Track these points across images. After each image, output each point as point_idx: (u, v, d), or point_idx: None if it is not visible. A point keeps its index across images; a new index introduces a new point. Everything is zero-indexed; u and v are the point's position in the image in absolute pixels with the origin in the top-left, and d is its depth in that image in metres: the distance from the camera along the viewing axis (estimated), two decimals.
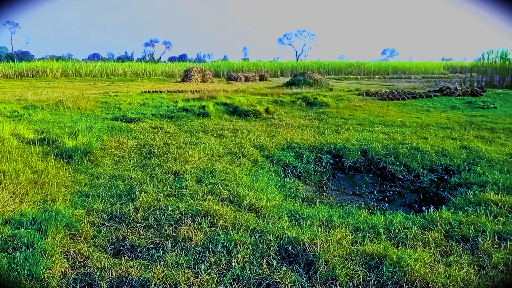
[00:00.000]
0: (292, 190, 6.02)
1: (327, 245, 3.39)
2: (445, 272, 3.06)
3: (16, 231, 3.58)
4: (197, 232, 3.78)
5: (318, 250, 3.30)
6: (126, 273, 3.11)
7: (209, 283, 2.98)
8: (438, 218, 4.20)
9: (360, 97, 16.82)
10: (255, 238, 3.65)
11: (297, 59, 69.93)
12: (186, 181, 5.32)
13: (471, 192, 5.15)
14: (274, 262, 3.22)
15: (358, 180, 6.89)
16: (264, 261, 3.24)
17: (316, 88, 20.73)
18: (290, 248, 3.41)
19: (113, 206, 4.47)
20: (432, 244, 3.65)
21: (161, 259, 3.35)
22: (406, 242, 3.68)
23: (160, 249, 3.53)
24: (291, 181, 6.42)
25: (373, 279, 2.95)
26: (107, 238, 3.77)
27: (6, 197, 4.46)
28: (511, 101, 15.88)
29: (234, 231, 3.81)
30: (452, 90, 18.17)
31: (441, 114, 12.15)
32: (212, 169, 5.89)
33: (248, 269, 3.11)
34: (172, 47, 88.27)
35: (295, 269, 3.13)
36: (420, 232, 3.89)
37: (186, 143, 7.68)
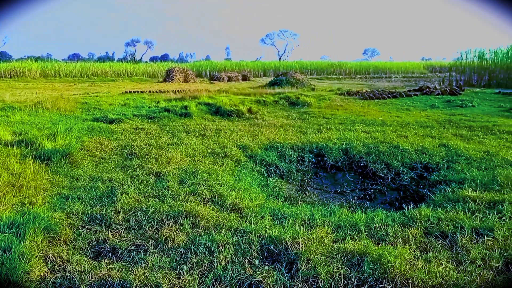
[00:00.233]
0: (275, 190, 6.03)
1: (309, 244, 3.41)
2: (424, 268, 3.12)
3: None
4: (179, 233, 3.76)
5: (300, 249, 3.32)
6: (107, 276, 3.07)
7: (191, 284, 2.96)
8: (418, 215, 4.27)
9: (342, 96, 16.99)
10: (238, 238, 3.64)
11: (280, 59, 70.20)
12: (168, 182, 5.29)
13: (450, 189, 5.26)
14: (257, 261, 3.22)
15: (340, 178, 6.95)
16: (247, 260, 3.24)
17: (298, 88, 20.83)
18: (272, 247, 3.42)
19: (93, 208, 4.40)
20: (412, 240, 3.71)
21: (142, 261, 3.32)
22: (387, 239, 3.73)
23: (142, 251, 3.49)
24: (274, 180, 6.44)
25: (354, 277, 2.98)
26: (87, 241, 3.71)
27: None
28: (488, 100, 16.26)
29: (216, 231, 3.80)
30: (431, 89, 18.50)
31: (421, 113, 12.36)
32: (194, 169, 5.87)
33: (230, 269, 3.11)
34: (153, 47, 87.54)
35: (277, 268, 3.14)
36: (400, 229, 3.95)
37: (168, 144, 7.62)
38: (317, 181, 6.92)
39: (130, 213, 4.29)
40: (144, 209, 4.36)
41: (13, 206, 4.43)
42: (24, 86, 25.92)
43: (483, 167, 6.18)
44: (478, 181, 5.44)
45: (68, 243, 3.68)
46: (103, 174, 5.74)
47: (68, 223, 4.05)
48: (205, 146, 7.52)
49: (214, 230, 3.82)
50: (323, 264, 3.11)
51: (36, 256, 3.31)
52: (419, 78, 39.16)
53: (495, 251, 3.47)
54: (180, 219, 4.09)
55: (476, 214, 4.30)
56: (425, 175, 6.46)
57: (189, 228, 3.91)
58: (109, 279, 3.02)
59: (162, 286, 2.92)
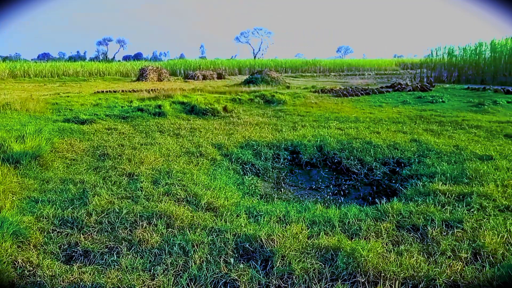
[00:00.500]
0: (250, 188, 6.03)
1: (284, 240, 3.43)
2: (396, 261, 3.18)
3: None
4: (153, 234, 3.71)
5: (275, 246, 3.34)
6: (78, 280, 3.01)
7: (165, 285, 2.93)
8: (390, 209, 4.36)
9: (316, 94, 17.14)
10: (213, 237, 3.63)
11: (255, 57, 70.25)
12: (141, 182, 5.21)
13: (421, 183, 5.39)
14: (232, 260, 3.22)
15: (314, 175, 7.02)
16: (222, 259, 3.24)
17: (273, 86, 20.91)
18: (247, 245, 3.42)
19: (65, 211, 4.30)
20: (384, 234, 3.78)
21: (115, 263, 3.26)
22: (360, 233, 3.79)
23: (114, 253, 3.44)
24: (249, 178, 6.44)
25: (328, 271, 3.02)
26: (58, 245, 3.62)
27: None
28: (457, 95, 16.73)
29: (191, 231, 3.78)
30: (403, 86, 18.90)
31: (393, 109, 12.61)
32: (168, 169, 5.81)
33: (205, 269, 3.10)
34: (126, 45, 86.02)
35: (252, 266, 3.15)
36: (373, 223, 4.02)
37: (141, 144, 7.52)
38: (292, 178, 6.96)
39: (103, 215, 4.21)
40: (117, 210, 4.29)
41: None
42: None
43: (452, 161, 6.36)
44: (448, 174, 5.59)
45: (38, 247, 3.58)
46: (75, 176, 5.61)
47: (38, 227, 3.94)
48: (179, 145, 7.46)
49: (189, 230, 3.79)
50: (297, 260, 3.14)
51: (4, 262, 3.20)
52: (392, 75, 39.91)
53: (464, 242, 3.58)
54: (154, 219, 4.05)
55: (446, 207, 4.42)
56: (397, 170, 6.60)
57: (164, 228, 3.86)
58: (81, 283, 2.96)
59: None
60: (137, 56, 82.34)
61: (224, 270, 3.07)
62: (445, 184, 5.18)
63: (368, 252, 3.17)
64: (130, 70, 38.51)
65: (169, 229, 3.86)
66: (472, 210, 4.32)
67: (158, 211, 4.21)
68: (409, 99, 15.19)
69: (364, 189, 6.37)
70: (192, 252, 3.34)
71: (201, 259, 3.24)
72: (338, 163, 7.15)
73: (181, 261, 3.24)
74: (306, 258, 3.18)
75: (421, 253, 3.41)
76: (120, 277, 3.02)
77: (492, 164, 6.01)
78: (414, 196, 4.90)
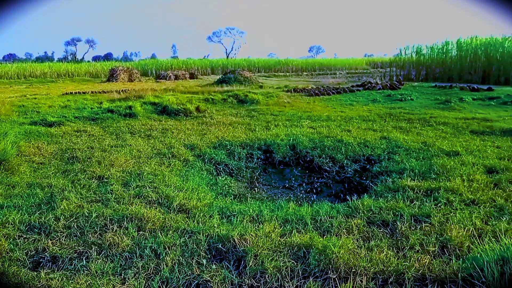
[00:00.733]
0: (224, 188, 6.01)
1: (257, 240, 3.44)
2: (367, 256, 3.24)
3: None
4: (123, 238, 3.64)
5: (248, 245, 3.34)
6: (46, 286, 2.92)
7: None
8: (361, 205, 4.43)
9: (289, 93, 17.26)
10: (185, 239, 3.60)
11: (228, 56, 70.03)
12: (112, 185, 5.11)
13: (390, 180, 5.50)
14: (204, 261, 3.20)
15: (287, 173, 7.07)
16: (194, 261, 3.21)
17: (246, 86, 20.91)
18: (220, 246, 3.41)
19: (31, 216, 4.16)
20: (355, 230, 3.84)
21: (84, 268, 3.19)
22: (332, 230, 3.84)
23: (84, 258, 3.35)
24: (223, 178, 6.42)
25: (300, 269, 3.05)
26: (25, 251, 3.50)
27: None
28: (425, 93, 17.19)
29: (163, 233, 3.73)
30: (373, 84, 19.27)
31: (363, 108, 12.83)
32: (139, 171, 5.72)
33: (177, 271, 3.06)
34: (96, 46, 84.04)
35: (225, 266, 3.14)
36: (345, 220, 4.08)
37: (111, 146, 7.37)
38: (266, 177, 6.98)
39: (72, 219, 4.10)
40: (87, 214, 4.19)
41: None
42: None
43: (421, 157, 6.53)
44: (416, 170, 5.74)
45: (4, 254, 3.45)
46: (42, 180, 5.44)
47: (3, 234, 3.80)
48: (151, 146, 7.35)
49: (160, 233, 3.74)
50: (270, 258, 3.15)
51: None
52: (362, 73, 40.60)
53: (431, 236, 3.68)
54: (125, 223, 3.98)
55: (414, 202, 4.54)
56: (367, 167, 6.72)
57: (135, 231, 3.80)
58: None
59: None
60: (107, 57, 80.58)
61: (196, 271, 3.05)
62: (414, 180, 5.32)
63: (339, 249, 3.21)
64: (100, 71, 37.65)
65: (140, 232, 3.80)
66: (439, 204, 4.45)
67: (129, 214, 4.14)
68: (379, 97, 15.50)
69: (336, 186, 6.46)
70: (164, 255, 3.30)
71: (173, 261, 3.21)
72: (310, 162, 7.22)
73: (152, 264, 3.20)
74: (278, 257, 3.20)
75: (391, 248, 3.49)
76: (89, 282, 2.95)
77: (459, 159, 6.21)
78: (384, 192, 5.00)
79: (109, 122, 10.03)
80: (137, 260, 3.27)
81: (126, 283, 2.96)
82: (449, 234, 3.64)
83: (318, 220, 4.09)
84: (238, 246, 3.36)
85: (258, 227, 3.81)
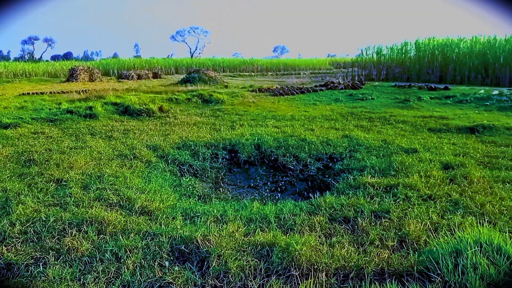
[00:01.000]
0: (188, 189, 5.95)
1: (220, 240, 3.42)
2: (328, 252, 3.29)
3: None
4: (82, 242, 3.53)
5: (211, 246, 3.32)
6: None
7: None
8: (323, 203, 4.51)
9: (254, 93, 17.32)
10: (147, 241, 3.53)
11: (192, 56, 69.39)
12: (70, 188, 4.94)
13: (352, 177, 5.62)
14: (167, 263, 3.15)
15: (252, 173, 7.09)
16: (156, 263, 3.16)
17: (211, 85, 20.81)
18: (183, 247, 3.37)
19: None
20: (318, 227, 3.90)
21: (42, 274, 3.07)
22: (295, 228, 3.88)
23: (41, 264, 3.23)
24: (187, 179, 6.35)
25: (263, 267, 3.06)
26: None
27: None
28: (386, 93, 17.70)
29: (124, 236, 3.65)
30: (335, 84, 19.65)
31: (326, 107, 13.06)
32: (100, 173, 5.56)
33: (138, 274, 3.01)
34: (54, 45, 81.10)
35: (188, 268, 3.11)
36: (307, 218, 4.14)
37: (70, 148, 7.13)
38: (231, 177, 6.97)
39: (28, 224, 3.93)
40: (44, 219, 4.03)
41: None
42: None
43: (381, 155, 6.71)
44: (377, 167, 5.90)
45: None
46: None
47: None
48: (112, 148, 7.17)
49: (121, 236, 3.66)
50: (233, 258, 3.14)
51: None
52: (326, 74, 41.30)
53: (391, 231, 3.79)
54: (84, 226, 3.86)
55: (374, 198, 4.66)
56: (330, 165, 6.84)
57: (94, 235, 3.69)
58: None
59: None
60: (67, 56, 77.91)
61: (158, 274, 3.00)
62: (374, 177, 5.46)
63: (302, 246, 3.25)
64: (59, 71, 36.41)
65: (101, 236, 3.70)
66: (398, 200, 4.59)
67: (89, 218, 4.02)
68: (341, 97, 15.81)
69: (300, 184, 6.54)
70: (125, 258, 3.23)
71: (135, 265, 3.14)
72: (275, 161, 7.27)
73: (113, 267, 3.12)
74: (242, 256, 3.20)
75: (352, 243, 3.56)
76: None
77: (417, 156, 6.43)
78: (345, 189, 5.11)
79: (68, 124, 9.71)
80: (97, 264, 3.19)
81: None
82: (407, 229, 3.77)
83: (282, 218, 4.12)
84: (201, 247, 3.33)
85: (222, 227, 3.79)
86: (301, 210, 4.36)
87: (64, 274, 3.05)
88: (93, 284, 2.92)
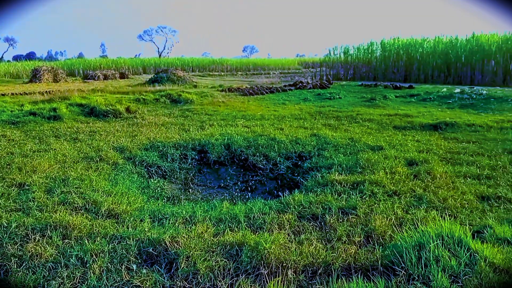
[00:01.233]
0: (156, 191, 5.88)
1: (189, 241, 3.40)
2: (297, 250, 3.33)
3: None
4: (46, 247, 3.43)
5: (180, 247, 3.29)
6: None
7: None
8: (292, 201, 4.56)
9: (223, 93, 17.27)
10: (114, 245, 3.46)
11: (160, 56, 68.37)
12: (34, 192, 4.78)
13: (320, 175, 5.71)
14: (134, 266, 3.10)
15: (223, 173, 7.07)
16: (123, 267, 3.10)
17: (180, 85, 20.60)
18: (151, 250, 3.32)
19: None
20: (287, 225, 3.94)
21: (2, 283, 2.95)
22: (264, 226, 3.91)
23: (2, 272, 3.11)
24: (155, 181, 6.27)
25: (233, 267, 3.06)
26: None
27: None
28: (353, 92, 18.04)
29: (90, 240, 3.56)
30: (304, 84, 19.87)
31: (295, 106, 13.19)
32: (64, 177, 5.40)
33: (105, 278, 2.94)
34: (16, 44, 77.98)
35: (156, 270, 3.07)
36: (277, 216, 4.17)
37: (34, 151, 6.89)
38: (200, 177, 6.94)
39: None
40: (5, 225, 3.88)
41: None
42: None
43: (348, 153, 6.84)
44: (344, 165, 6.01)
45: None
46: None
47: None
48: (77, 150, 6.98)
49: (87, 240, 3.57)
50: (202, 259, 3.13)
51: None
52: (295, 73, 41.67)
53: (357, 227, 3.88)
54: (48, 231, 3.74)
55: (342, 195, 4.75)
56: (299, 163, 6.91)
57: (59, 240, 3.59)
58: None
59: None
60: (30, 56, 75.01)
61: (126, 277, 2.95)
62: (341, 174, 5.56)
63: (271, 244, 3.28)
64: (22, 71, 35.05)
65: (66, 240, 3.60)
66: (364, 196, 4.70)
67: (53, 222, 3.90)
68: (309, 96, 16.01)
69: (270, 183, 6.58)
70: (91, 262, 3.15)
71: (101, 269, 3.07)
72: (245, 160, 7.28)
73: (78, 273, 3.04)
74: (211, 256, 3.19)
75: (320, 240, 3.62)
76: None
77: (382, 153, 6.59)
78: (314, 187, 5.18)
79: (31, 126, 9.38)
80: (62, 270, 3.10)
81: None
82: (373, 224, 3.86)
83: (252, 218, 4.14)
84: (169, 248, 3.30)
85: (190, 228, 3.77)
86: (270, 209, 4.38)
87: (27, 281, 2.95)
88: None
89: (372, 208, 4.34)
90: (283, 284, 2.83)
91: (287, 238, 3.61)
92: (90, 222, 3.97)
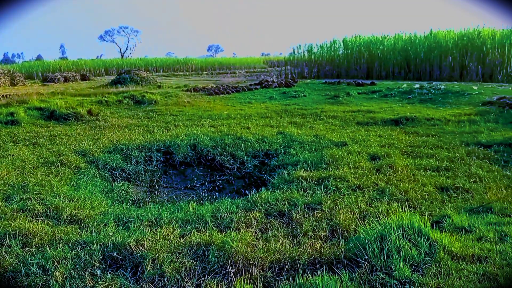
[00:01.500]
0: (121, 194, 5.76)
1: (154, 244, 3.36)
2: (264, 247, 3.36)
3: None
4: (5, 257, 3.30)
5: (145, 250, 3.25)
6: None
7: None
8: (259, 198, 4.59)
9: (189, 93, 17.11)
10: (77, 250, 3.37)
11: (122, 56, 66.85)
12: None
13: (286, 172, 5.77)
14: (98, 271, 3.04)
15: (189, 174, 7.02)
16: (87, 272, 3.03)
17: (144, 86, 20.23)
18: (115, 254, 3.26)
19: None
20: (254, 223, 3.97)
21: None
22: (232, 226, 3.92)
23: None
24: (120, 184, 6.14)
25: (200, 267, 3.06)
26: None
27: None
28: (317, 90, 18.30)
29: (52, 247, 3.45)
30: (270, 83, 19.99)
31: (261, 105, 13.26)
32: (23, 183, 5.20)
33: (68, 285, 2.87)
34: None
35: (121, 274, 3.02)
36: (244, 214, 4.19)
37: None
38: (166, 179, 6.86)
39: None
40: None
41: None
42: None
43: (313, 149, 6.95)
44: (309, 161, 6.10)
45: None
46: None
47: None
48: (37, 155, 6.73)
49: (49, 247, 3.46)
50: (169, 261, 3.10)
51: None
52: (260, 72, 41.78)
53: (323, 221, 3.96)
54: (7, 240, 3.60)
55: (307, 191, 4.83)
56: (266, 161, 6.96)
57: (19, 248, 3.46)
58: None
59: None
60: None
61: (90, 283, 2.89)
62: (307, 171, 5.65)
63: (238, 243, 3.29)
64: None
65: (26, 249, 3.47)
66: (329, 192, 4.80)
67: (12, 230, 3.75)
68: (275, 95, 16.12)
69: (237, 182, 6.59)
70: (53, 270, 3.06)
71: (64, 276, 2.99)
72: (212, 160, 7.26)
73: (40, 281, 2.95)
74: (177, 258, 3.17)
75: (287, 236, 3.67)
76: None
77: (346, 149, 6.74)
78: (280, 184, 5.24)
79: None
80: (22, 279, 2.99)
81: None
82: (338, 218, 3.95)
83: (219, 217, 4.14)
84: (135, 252, 3.25)
85: (156, 230, 3.72)
86: (237, 208, 4.40)
87: None
88: None
89: (336, 202, 4.44)
90: (250, 282, 2.85)
91: (254, 236, 3.64)
92: (51, 229, 3.85)
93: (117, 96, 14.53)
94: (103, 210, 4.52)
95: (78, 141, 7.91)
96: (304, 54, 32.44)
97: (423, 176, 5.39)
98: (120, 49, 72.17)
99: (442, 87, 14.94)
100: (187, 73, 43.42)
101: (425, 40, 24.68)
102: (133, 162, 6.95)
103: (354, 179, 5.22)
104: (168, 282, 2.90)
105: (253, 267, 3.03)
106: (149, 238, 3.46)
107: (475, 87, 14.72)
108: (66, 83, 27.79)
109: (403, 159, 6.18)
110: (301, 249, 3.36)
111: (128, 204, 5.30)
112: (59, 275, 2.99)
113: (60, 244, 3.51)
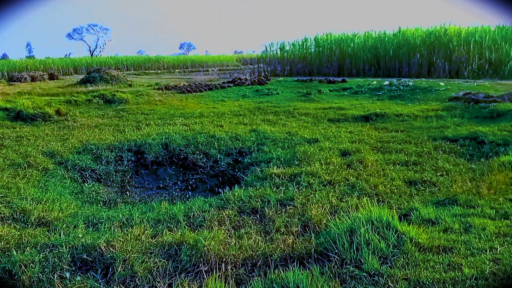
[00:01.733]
0: (91, 195, 5.65)
1: (125, 244, 3.32)
2: (236, 244, 3.38)
3: None
4: None
5: (115, 251, 3.20)
6: None
7: None
8: (232, 196, 4.60)
9: (160, 91, 16.89)
10: (45, 254, 3.29)
11: (92, 55, 65.38)
12: None
13: (259, 169, 5.80)
14: (68, 274, 2.98)
15: (161, 173, 6.95)
16: (56, 276, 2.97)
17: (114, 85, 19.85)
18: (85, 256, 3.20)
19: None
20: (227, 221, 3.98)
21: None
22: (204, 224, 3.91)
23: None
24: (90, 185, 6.02)
25: (172, 267, 3.04)
26: None
27: None
28: (289, 87, 18.41)
29: (18, 251, 3.36)
30: (243, 80, 19.99)
31: (234, 103, 13.24)
32: None
33: None
34: None
35: (91, 276, 2.97)
36: (217, 212, 4.19)
37: None
38: (138, 179, 6.78)
39: None
40: None
41: None
42: None
43: (286, 146, 7.01)
44: (282, 158, 6.15)
45: None
46: None
47: None
48: (2, 157, 6.50)
49: (15, 251, 3.36)
50: (140, 261, 3.07)
51: None
52: (233, 70, 41.66)
53: (295, 217, 4.01)
54: None
55: (280, 188, 4.87)
56: (239, 159, 6.97)
57: None
58: None
59: None
60: None
61: (59, 286, 2.83)
62: (280, 168, 5.70)
63: (210, 241, 3.29)
64: None
65: None
66: (301, 188, 4.86)
67: None
68: (248, 92, 16.13)
69: (210, 181, 6.57)
70: (19, 274, 2.98)
71: (31, 280, 2.92)
72: (184, 159, 7.21)
73: (6, 286, 2.86)
74: (149, 258, 3.14)
75: (259, 233, 3.70)
76: None
77: (318, 145, 6.83)
78: (253, 182, 5.26)
79: None
80: None
81: None
82: (310, 214, 4.01)
83: (191, 216, 4.12)
84: (105, 253, 3.20)
85: (127, 231, 3.68)
86: (210, 206, 4.40)
87: None
88: None
89: (308, 198, 4.50)
90: (222, 279, 2.86)
91: (227, 233, 3.64)
92: (18, 232, 3.74)
93: (87, 96, 14.20)
94: (73, 211, 4.42)
95: (46, 142, 7.68)
96: (276, 52, 32.57)
97: (392, 170, 5.53)
98: (90, 47, 70.56)
99: (411, 83, 15.33)
100: (159, 71, 42.81)
101: (394, 38, 25.23)
102: (103, 163, 6.82)
103: (325, 174, 5.30)
104: (139, 282, 2.87)
105: (226, 264, 3.04)
106: (119, 239, 3.42)
107: (442, 83, 15.18)
108: (33, 83, 26.92)
109: (373, 154, 6.31)
110: (273, 245, 3.39)
111: (99, 205, 5.21)
112: (26, 279, 2.91)
113: (28, 248, 3.42)
